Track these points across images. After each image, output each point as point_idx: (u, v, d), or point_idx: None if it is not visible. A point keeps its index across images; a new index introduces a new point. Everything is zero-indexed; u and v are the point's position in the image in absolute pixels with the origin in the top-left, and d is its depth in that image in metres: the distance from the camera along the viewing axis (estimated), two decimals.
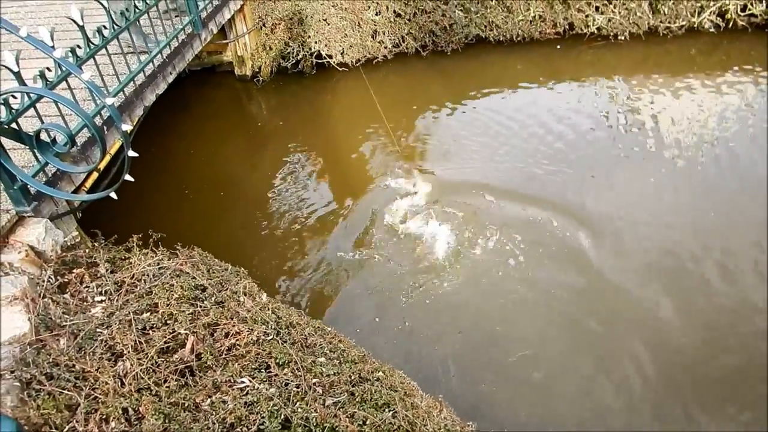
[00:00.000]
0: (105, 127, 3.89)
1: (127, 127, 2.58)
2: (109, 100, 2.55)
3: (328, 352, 2.87)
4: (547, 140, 6.02)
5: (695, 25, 7.85)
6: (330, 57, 7.19)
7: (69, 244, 3.64)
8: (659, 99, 6.69)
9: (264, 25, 7.02)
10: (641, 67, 7.44)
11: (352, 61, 7.27)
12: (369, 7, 7.18)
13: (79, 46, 3.58)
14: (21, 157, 3.51)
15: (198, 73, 7.58)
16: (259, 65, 7.25)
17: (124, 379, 2.38)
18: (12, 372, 2.31)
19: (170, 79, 4.99)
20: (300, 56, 7.15)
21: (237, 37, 7.12)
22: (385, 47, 7.35)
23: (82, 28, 3.51)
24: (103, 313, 2.86)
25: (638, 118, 6.33)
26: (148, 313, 2.86)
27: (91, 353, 2.50)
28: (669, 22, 7.78)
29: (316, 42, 7.09)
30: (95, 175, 4.39)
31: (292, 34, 7.01)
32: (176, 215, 5.28)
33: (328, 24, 7.06)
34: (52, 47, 3.14)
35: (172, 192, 5.57)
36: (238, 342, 2.75)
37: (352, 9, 7.09)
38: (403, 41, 7.39)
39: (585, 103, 6.66)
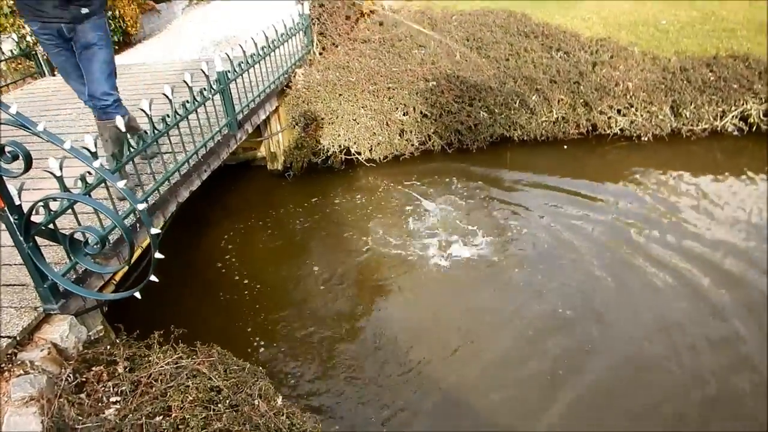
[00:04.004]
0: (138, 225, 4.07)
1: (156, 231, 2.68)
2: (141, 206, 2.68)
3: None
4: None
5: (718, 128, 7.95)
6: (359, 154, 7.47)
7: (93, 338, 3.70)
8: (687, 200, 6.66)
9: (297, 124, 7.39)
10: (666, 168, 7.47)
11: (379, 158, 7.52)
12: (397, 108, 7.52)
13: (120, 151, 3.83)
14: (54, 253, 3.65)
15: (233, 168, 7.93)
16: (291, 161, 7.56)
17: None
18: None
19: (204, 176, 5.24)
20: (330, 153, 7.45)
21: (271, 135, 7.50)
22: (412, 145, 7.60)
23: (124, 134, 3.77)
24: (116, 415, 2.84)
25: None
26: (161, 417, 2.83)
27: None
28: (692, 125, 7.91)
29: (346, 140, 7.40)
30: (125, 269, 4.53)
31: (324, 132, 7.35)
32: (200, 310, 5.33)
33: (358, 123, 7.39)
34: (95, 154, 3.36)
35: (198, 286, 5.66)
36: None
37: (381, 110, 7.43)
38: (429, 139, 7.66)
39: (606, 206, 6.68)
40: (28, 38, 8.42)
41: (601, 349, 4.60)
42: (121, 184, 2.61)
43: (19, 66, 9.07)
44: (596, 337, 4.72)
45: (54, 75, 8.82)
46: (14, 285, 3.42)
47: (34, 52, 8.51)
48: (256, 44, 6.24)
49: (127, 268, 4.60)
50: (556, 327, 4.85)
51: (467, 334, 4.84)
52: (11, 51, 8.38)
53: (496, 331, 4.90)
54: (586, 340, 4.70)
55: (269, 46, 6.51)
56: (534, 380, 4.35)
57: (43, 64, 8.62)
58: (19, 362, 2.97)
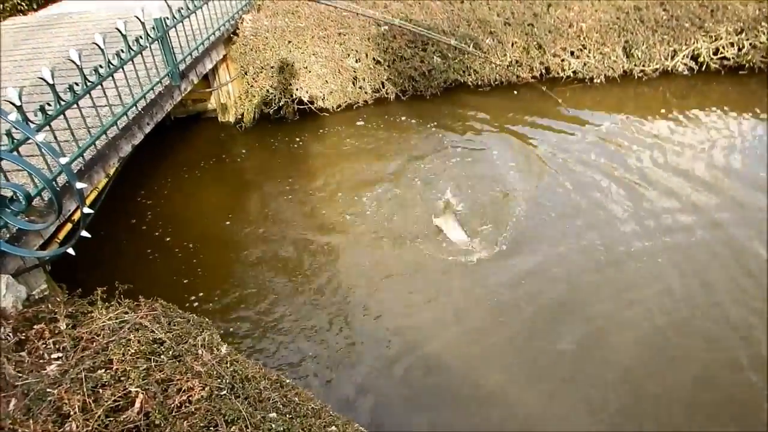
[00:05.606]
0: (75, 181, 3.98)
1: (81, 185, 2.64)
2: (63, 160, 2.62)
3: (281, 406, 2.86)
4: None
5: (669, 69, 8.04)
6: (311, 103, 7.36)
7: (37, 297, 3.68)
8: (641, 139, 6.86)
9: (246, 73, 7.20)
10: (619, 108, 7.59)
11: (332, 107, 7.43)
12: (349, 55, 7.37)
13: (49, 103, 3.69)
14: None
15: (184, 121, 7.74)
16: (242, 112, 7.41)
17: None
18: None
19: (147, 129, 5.11)
20: (282, 103, 7.31)
21: (220, 86, 7.30)
22: (366, 93, 7.51)
23: (52, 87, 3.63)
24: (58, 371, 2.87)
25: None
26: (102, 370, 2.87)
27: (38, 415, 2.50)
28: (643, 66, 7.97)
29: (297, 89, 7.26)
30: (69, 226, 4.45)
31: (274, 81, 7.18)
32: (152, 265, 5.31)
33: (309, 71, 7.23)
34: (20, 107, 3.24)
35: (151, 240, 5.61)
36: (189, 398, 2.74)
37: (332, 57, 7.28)
38: (383, 87, 7.57)
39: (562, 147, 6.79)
40: None
41: None
42: (40, 137, 2.54)
43: None
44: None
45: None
46: None
47: None
48: None
49: (74, 221, 4.53)
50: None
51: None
52: None
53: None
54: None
55: None
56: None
57: None
58: None
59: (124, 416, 2.57)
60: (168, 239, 5.59)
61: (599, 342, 4.29)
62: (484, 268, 5.00)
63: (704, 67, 8.03)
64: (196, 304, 4.85)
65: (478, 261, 5.06)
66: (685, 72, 8.07)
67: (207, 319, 3.66)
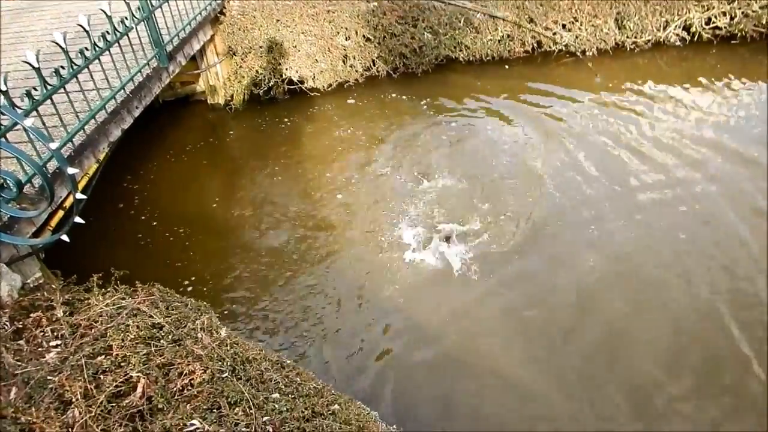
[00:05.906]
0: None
1: (73, 171, 2.59)
2: (53, 145, 2.57)
3: (283, 387, 2.87)
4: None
5: (662, 40, 7.98)
6: (301, 83, 7.26)
7: (33, 285, 3.64)
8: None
9: (234, 54, 7.08)
10: (614, 78, 7.55)
11: (323, 86, 7.34)
12: (338, 33, 7.26)
13: (35, 88, 3.61)
14: None
15: (173, 104, 7.62)
16: (231, 93, 7.30)
17: (71, 429, 2.37)
18: None
19: (136, 113, 5.02)
20: (271, 83, 7.21)
21: (208, 67, 7.18)
22: (356, 71, 7.42)
23: (38, 70, 3.55)
24: (57, 358, 2.85)
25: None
26: (102, 357, 2.86)
27: (39, 402, 2.49)
28: (635, 37, 7.92)
29: (287, 69, 7.16)
30: (60, 213, 4.40)
31: (263, 61, 7.07)
32: (144, 249, 5.27)
33: (299, 51, 7.13)
34: (6, 92, 3.17)
35: (140, 225, 5.56)
36: (191, 382, 2.75)
37: (321, 35, 7.17)
38: (374, 65, 7.47)
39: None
40: None
41: None
42: (28, 122, 2.49)
43: None
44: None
45: None
46: None
47: None
48: None
49: (65, 208, 4.47)
50: None
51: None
52: None
53: None
54: None
55: None
56: None
57: None
58: None
59: (127, 401, 2.58)
60: (155, 224, 5.54)
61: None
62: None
63: (696, 37, 7.98)
64: (190, 288, 4.82)
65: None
66: (678, 43, 8.02)
67: (205, 303, 3.65)
